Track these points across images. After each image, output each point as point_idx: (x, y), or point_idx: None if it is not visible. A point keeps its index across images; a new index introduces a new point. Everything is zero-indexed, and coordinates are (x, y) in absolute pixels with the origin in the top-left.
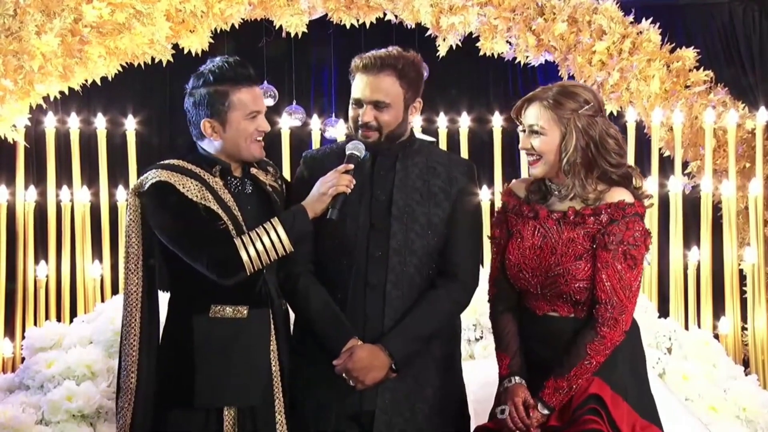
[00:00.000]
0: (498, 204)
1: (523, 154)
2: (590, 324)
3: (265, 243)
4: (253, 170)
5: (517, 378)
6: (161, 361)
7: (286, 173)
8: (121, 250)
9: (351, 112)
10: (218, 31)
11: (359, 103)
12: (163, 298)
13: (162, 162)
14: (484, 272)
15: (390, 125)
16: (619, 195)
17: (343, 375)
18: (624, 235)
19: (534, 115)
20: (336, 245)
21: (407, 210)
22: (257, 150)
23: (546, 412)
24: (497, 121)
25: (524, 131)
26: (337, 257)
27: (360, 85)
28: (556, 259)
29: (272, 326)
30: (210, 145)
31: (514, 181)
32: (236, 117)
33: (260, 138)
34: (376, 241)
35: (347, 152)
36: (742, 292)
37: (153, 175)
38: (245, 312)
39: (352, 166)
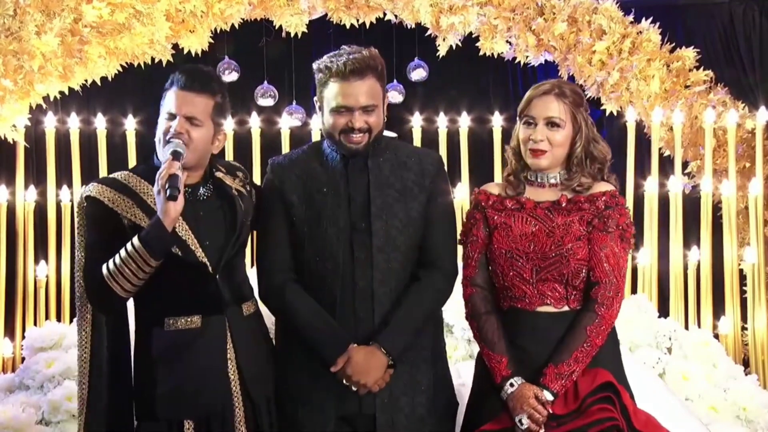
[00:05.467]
0: None
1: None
2: (588, 307)
3: (121, 255)
4: (219, 174)
5: (520, 379)
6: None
7: None
8: None
9: (336, 120)
10: (218, 31)
11: (349, 110)
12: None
13: (106, 176)
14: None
15: (378, 126)
16: (607, 187)
17: (344, 382)
18: (619, 220)
19: (554, 108)
20: (318, 251)
21: (385, 207)
22: (161, 154)
23: (551, 398)
24: (497, 121)
25: (529, 123)
26: (320, 263)
27: (347, 91)
28: (555, 240)
29: (228, 332)
30: (160, 153)
31: (484, 185)
32: (160, 119)
33: (171, 140)
34: (359, 242)
35: (169, 152)
36: (742, 292)
37: (87, 189)
38: (198, 321)
39: (176, 161)
